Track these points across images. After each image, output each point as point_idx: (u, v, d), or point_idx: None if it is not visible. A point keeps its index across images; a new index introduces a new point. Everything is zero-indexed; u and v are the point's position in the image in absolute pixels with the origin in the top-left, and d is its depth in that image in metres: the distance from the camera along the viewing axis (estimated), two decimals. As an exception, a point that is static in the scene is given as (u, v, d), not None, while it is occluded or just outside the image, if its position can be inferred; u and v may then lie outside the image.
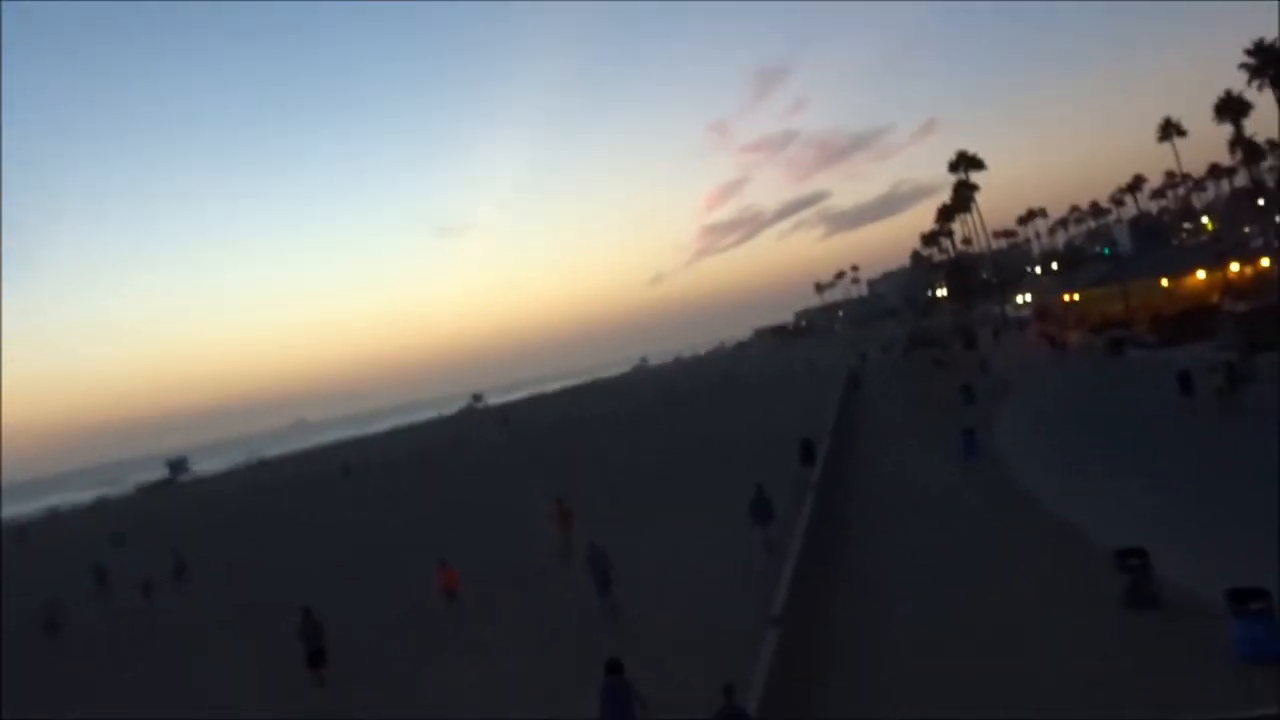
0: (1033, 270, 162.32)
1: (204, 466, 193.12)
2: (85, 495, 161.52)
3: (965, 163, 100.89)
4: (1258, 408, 28.35)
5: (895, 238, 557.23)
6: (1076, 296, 73.61)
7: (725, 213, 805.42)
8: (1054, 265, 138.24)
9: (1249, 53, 58.16)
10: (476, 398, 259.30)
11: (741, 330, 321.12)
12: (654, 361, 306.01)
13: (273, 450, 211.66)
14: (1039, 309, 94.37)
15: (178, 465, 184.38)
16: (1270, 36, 57.35)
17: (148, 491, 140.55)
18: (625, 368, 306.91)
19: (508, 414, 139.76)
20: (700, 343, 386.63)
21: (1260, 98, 61.29)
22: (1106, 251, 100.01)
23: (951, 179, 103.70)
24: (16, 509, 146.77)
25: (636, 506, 34.52)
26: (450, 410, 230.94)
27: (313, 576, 33.37)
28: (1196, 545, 16.93)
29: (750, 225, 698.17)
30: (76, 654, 29.17)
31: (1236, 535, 16.99)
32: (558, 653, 19.07)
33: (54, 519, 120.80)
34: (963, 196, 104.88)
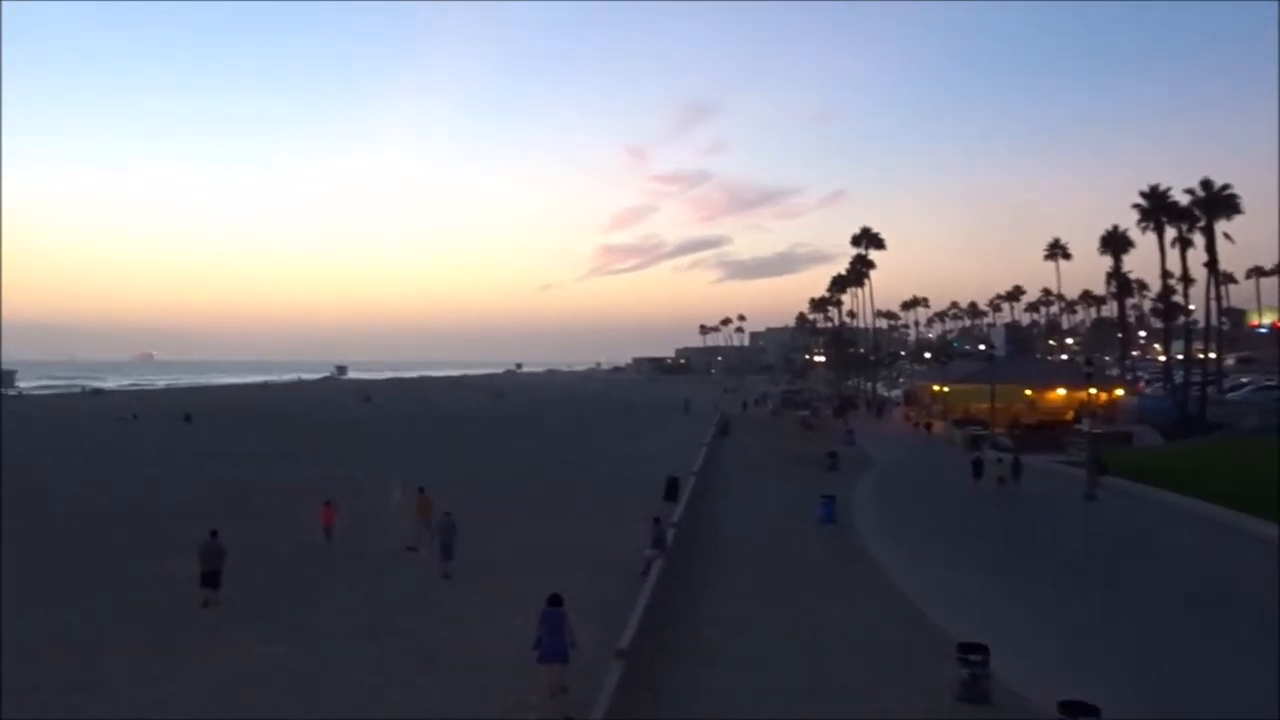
0: (907, 354, 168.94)
1: (29, 383, 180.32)
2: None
3: (868, 239, 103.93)
4: (1024, 495, 37.61)
5: (784, 296, 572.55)
6: (947, 388, 76.51)
7: (627, 237, 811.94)
8: (927, 355, 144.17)
9: (1144, 195, 61.20)
10: (340, 369, 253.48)
11: (620, 355, 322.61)
12: (528, 369, 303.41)
13: (111, 381, 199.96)
14: (910, 393, 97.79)
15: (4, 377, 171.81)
16: (1165, 182, 60.61)
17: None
18: (498, 369, 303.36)
19: (370, 392, 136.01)
20: (577, 360, 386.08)
21: (1144, 239, 64.96)
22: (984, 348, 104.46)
23: (851, 251, 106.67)
24: None
25: (507, 510, 33.88)
26: (311, 377, 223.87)
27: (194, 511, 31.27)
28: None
29: (649, 255, 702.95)
30: None
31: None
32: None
33: None
34: (859, 271, 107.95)
